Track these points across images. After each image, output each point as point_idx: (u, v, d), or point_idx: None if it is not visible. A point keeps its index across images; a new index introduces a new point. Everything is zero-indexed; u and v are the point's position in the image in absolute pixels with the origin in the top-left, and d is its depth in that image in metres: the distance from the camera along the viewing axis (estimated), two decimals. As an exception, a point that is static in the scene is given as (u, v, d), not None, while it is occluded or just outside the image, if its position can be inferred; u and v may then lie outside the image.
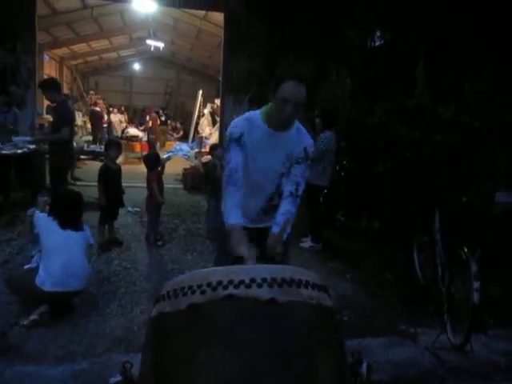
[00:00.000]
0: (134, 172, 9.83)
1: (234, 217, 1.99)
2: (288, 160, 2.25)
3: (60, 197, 3.51)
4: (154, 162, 5.09)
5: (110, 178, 4.74)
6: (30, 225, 3.51)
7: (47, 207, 3.54)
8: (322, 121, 5.10)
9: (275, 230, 2.15)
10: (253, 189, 2.29)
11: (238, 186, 2.08)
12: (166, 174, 5.60)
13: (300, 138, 2.25)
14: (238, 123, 2.23)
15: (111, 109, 15.52)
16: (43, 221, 3.25)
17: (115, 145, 5.03)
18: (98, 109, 13.26)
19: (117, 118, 14.51)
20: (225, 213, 2.08)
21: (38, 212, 3.50)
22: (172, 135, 16.71)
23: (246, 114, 2.30)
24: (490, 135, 4.47)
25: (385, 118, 5.27)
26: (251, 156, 2.20)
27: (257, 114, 2.24)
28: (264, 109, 2.24)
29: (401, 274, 4.30)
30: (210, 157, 6.50)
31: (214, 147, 5.91)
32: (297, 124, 2.26)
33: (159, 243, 4.95)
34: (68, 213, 3.28)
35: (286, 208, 2.20)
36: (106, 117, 13.84)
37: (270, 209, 2.34)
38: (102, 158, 7.70)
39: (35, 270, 3.14)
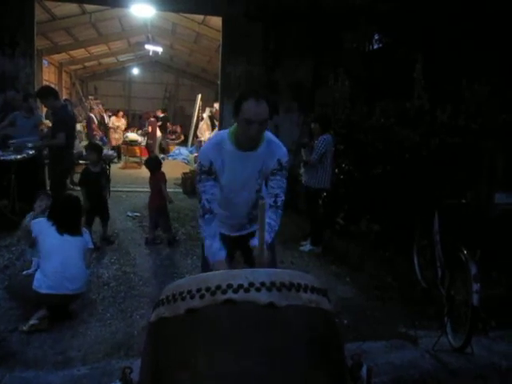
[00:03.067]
0: (133, 176, 9.87)
1: (214, 250, 2.08)
2: (261, 176, 2.25)
3: (58, 202, 3.50)
4: (154, 164, 5.27)
5: (92, 181, 4.84)
6: (24, 231, 3.47)
7: (45, 212, 3.53)
8: (319, 125, 5.10)
9: (255, 243, 2.03)
10: (232, 206, 2.33)
11: (212, 216, 2.14)
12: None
13: (272, 150, 2.21)
14: (206, 152, 2.21)
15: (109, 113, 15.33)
16: (41, 225, 3.25)
17: (93, 148, 5.17)
18: (91, 114, 13.27)
19: (116, 124, 14.37)
20: (205, 243, 2.15)
21: (31, 216, 3.49)
22: (173, 140, 16.65)
23: (214, 138, 2.29)
24: (489, 137, 4.47)
25: (384, 121, 5.27)
26: (224, 178, 2.21)
27: (225, 136, 2.19)
28: (232, 129, 2.20)
29: (401, 276, 4.30)
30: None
31: None
32: (267, 137, 2.21)
33: (174, 240, 5.17)
34: (66, 218, 3.28)
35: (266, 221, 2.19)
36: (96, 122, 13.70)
37: (253, 219, 2.36)
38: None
39: (33, 275, 3.13)
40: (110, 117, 14.62)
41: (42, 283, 3.04)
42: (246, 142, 2.12)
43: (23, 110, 5.75)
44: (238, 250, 2.47)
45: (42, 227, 3.23)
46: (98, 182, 4.90)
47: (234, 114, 2.07)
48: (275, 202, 2.23)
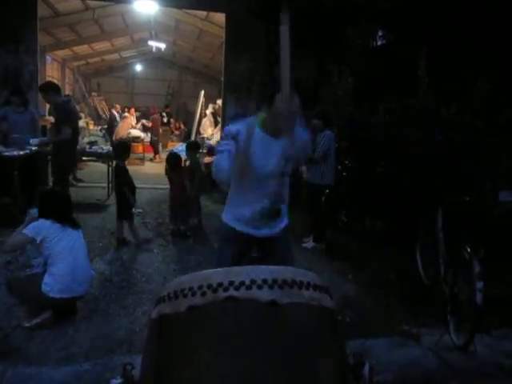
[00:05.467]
0: (136, 173, 9.85)
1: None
2: (283, 158, 2.34)
3: (58, 202, 3.25)
4: (175, 161, 5.47)
5: (129, 177, 5.02)
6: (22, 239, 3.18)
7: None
8: (322, 121, 5.07)
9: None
10: (254, 192, 2.36)
11: (227, 156, 2.26)
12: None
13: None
14: (234, 125, 2.35)
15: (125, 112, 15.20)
16: (48, 227, 3.06)
17: (127, 147, 5.38)
18: (114, 112, 13.39)
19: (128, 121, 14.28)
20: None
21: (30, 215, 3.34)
22: (176, 135, 16.66)
23: (243, 120, 2.41)
24: (493, 134, 4.44)
25: (388, 118, 5.25)
26: (248, 161, 2.29)
27: (253, 121, 2.34)
28: (260, 117, 2.33)
29: (404, 274, 4.29)
30: (210, 158, 6.69)
31: (192, 146, 6.08)
32: None
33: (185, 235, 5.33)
34: (71, 215, 3.27)
35: None
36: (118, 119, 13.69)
37: (275, 212, 2.38)
38: (105, 159, 7.71)
39: (38, 276, 3.10)
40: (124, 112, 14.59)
41: (52, 287, 3.01)
42: (275, 130, 2.29)
43: (14, 104, 5.64)
44: (258, 253, 2.54)
45: (50, 230, 3.06)
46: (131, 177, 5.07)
47: (267, 105, 2.25)
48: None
